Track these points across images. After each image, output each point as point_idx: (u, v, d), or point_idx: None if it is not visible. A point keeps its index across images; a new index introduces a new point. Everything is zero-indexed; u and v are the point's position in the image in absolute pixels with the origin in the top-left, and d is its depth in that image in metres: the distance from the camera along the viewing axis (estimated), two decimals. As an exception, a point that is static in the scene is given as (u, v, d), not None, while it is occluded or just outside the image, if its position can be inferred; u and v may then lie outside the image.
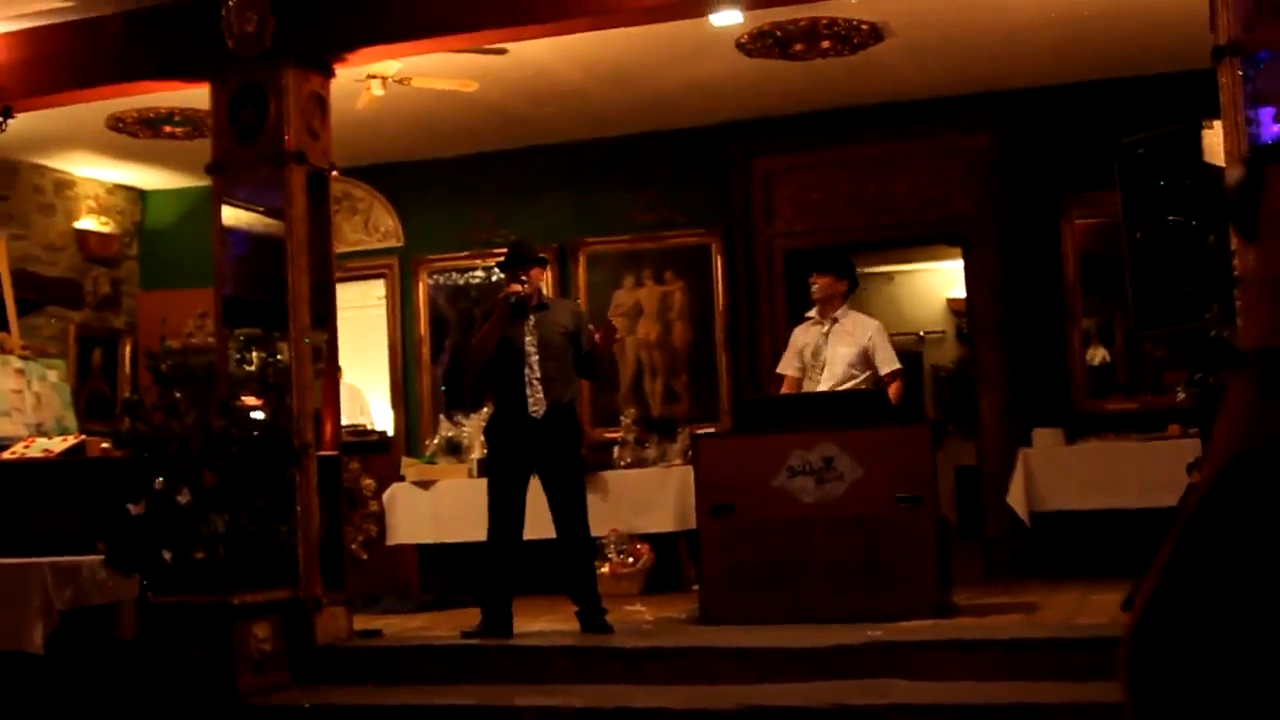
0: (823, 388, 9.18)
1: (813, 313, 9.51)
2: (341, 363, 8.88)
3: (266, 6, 8.33)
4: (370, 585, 10.24)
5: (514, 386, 8.28)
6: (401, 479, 11.21)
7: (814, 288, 9.41)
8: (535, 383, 8.25)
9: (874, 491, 8.15)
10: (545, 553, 8.66)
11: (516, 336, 8.31)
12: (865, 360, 9.24)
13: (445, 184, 12.60)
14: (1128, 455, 10.08)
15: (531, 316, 8.36)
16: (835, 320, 9.34)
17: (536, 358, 8.28)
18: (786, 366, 9.54)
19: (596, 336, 8.42)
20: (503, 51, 9.35)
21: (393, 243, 12.80)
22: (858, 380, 9.21)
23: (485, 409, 10.83)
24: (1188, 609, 1.60)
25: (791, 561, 8.24)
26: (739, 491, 8.37)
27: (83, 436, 9.10)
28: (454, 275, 12.59)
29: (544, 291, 8.88)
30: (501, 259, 8.81)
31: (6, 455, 8.87)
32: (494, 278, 12.06)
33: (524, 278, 8.37)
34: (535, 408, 8.24)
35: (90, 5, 8.78)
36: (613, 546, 10.57)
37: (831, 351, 9.28)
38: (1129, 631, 1.65)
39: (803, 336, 9.49)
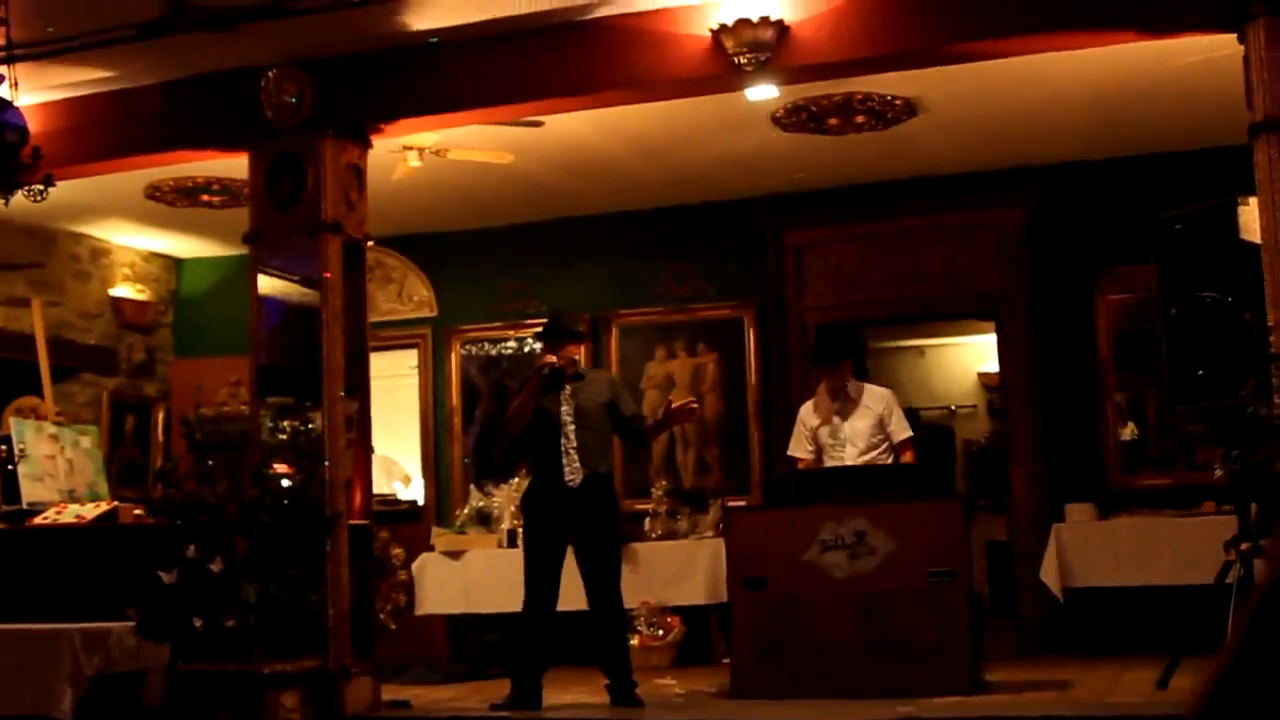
0: (849, 462, 9.14)
1: (821, 390, 9.45)
2: (372, 436, 8.86)
3: (305, 78, 8.39)
4: (398, 655, 10.20)
5: (550, 456, 8.27)
6: (431, 549, 11.19)
7: (829, 380, 9.36)
8: (571, 452, 8.22)
9: (906, 566, 8.10)
10: (575, 624, 8.63)
11: (552, 406, 8.30)
12: (881, 429, 9.23)
13: (479, 255, 12.64)
14: (1162, 532, 10.02)
15: (568, 386, 8.36)
16: (847, 396, 9.31)
17: (573, 427, 8.26)
18: (798, 449, 9.46)
19: (674, 406, 8.42)
20: (539, 124, 9.41)
21: (426, 312, 12.84)
22: (879, 450, 9.19)
23: (516, 479, 10.84)
24: (1263, 692, 1.56)
25: (823, 636, 8.19)
26: (771, 565, 8.34)
27: (115, 503, 9.11)
28: (486, 345, 12.61)
29: (579, 363, 8.86)
30: (539, 329, 8.82)
31: (39, 521, 8.89)
32: (526, 348, 12.09)
33: (563, 350, 8.38)
34: (571, 476, 8.21)
35: (130, 76, 8.86)
36: (643, 619, 10.51)
37: (851, 427, 9.25)
38: (1196, 713, 1.61)
39: (814, 417, 9.42)
